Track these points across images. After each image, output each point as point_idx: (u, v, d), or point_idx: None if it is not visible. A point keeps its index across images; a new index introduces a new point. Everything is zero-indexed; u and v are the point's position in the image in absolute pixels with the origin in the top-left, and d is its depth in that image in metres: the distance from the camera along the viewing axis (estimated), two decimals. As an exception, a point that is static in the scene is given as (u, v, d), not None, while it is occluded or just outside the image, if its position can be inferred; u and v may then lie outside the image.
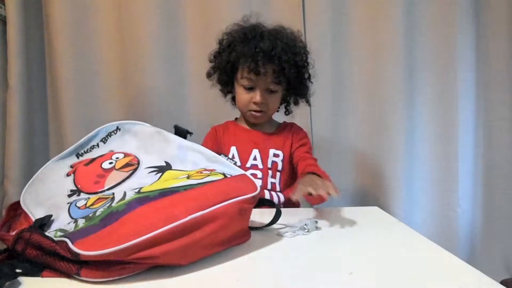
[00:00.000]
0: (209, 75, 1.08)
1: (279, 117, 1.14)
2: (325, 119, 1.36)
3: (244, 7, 1.31)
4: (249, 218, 0.65)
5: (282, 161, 1.04)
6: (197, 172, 0.64)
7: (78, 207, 0.58)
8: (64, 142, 1.34)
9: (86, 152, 0.73)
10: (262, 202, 0.76)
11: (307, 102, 1.12)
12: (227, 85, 1.09)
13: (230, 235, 0.58)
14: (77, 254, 0.47)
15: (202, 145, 1.03)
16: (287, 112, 1.15)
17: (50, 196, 0.63)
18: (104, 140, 0.75)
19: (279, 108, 1.11)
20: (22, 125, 1.30)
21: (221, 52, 1.04)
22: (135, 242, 0.47)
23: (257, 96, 1.00)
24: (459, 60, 1.33)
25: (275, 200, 1.01)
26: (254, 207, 0.71)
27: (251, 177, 0.65)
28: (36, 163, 1.38)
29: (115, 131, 0.76)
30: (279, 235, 0.67)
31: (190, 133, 0.78)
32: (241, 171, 0.66)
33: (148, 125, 0.77)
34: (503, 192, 1.36)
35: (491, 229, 1.37)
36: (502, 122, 1.36)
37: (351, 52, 1.35)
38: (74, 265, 0.48)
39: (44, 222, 0.56)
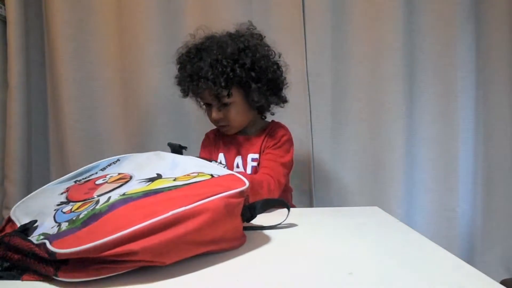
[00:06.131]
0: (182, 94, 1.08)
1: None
2: (325, 119, 1.35)
3: (245, 8, 1.31)
4: (240, 215, 0.63)
5: (258, 164, 1.02)
6: (185, 175, 0.64)
7: (64, 212, 0.58)
8: (64, 142, 1.34)
9: (84, 179, 0.74)
10: (271, 203, 0.74)
11: (278, 104, 1.06)
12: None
13: (219, 233, 0.56)
14: (53, 253, 0.46)
15: (200, 152, 1.05)
16: (263, 116, 1.11)
17: (39, 208, 0.63)
18: (103, 169, 0.77)
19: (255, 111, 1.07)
20: (22, 125, 1.30)
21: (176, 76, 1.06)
22: (112, 238, 0.46)
23: (212, 113, 1.00)
24: (459, 60, 1.33)
25: None
26: (265, 210, 0.70)
27: (239, 175, 0.63)
28: (36, 163, 1.38)
29: (115, 162, 0.79)
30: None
31: (184, 148, 0.79)
32: (229, 172, 0.65)
33: (147, 153, 0.80)
34: (503, 192, 1.36)
35: (491, 229, 1.37)
36: (502, 122, 1.36)
37: (351, 52, 1.34)
38: (52, 267, 0.48)
39: (27, 227, 0.55)
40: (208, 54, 0.96)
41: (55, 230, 0.53)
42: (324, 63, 1.33)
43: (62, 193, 0.68)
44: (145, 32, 1.31)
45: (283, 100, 1.06)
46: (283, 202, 0.73)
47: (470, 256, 1.37)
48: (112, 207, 0.52)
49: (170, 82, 1.34)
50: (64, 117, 1.33)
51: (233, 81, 0.95)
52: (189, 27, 1.33)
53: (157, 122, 1.34)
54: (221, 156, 1.05)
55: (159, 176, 0.67)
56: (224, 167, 0.70)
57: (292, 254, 0.60)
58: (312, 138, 1.34)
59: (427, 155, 1.36)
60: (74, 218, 0.54)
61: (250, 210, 0.68)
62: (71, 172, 1.40)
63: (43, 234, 0.53)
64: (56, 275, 0.48)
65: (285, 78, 1.05)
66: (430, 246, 0.62)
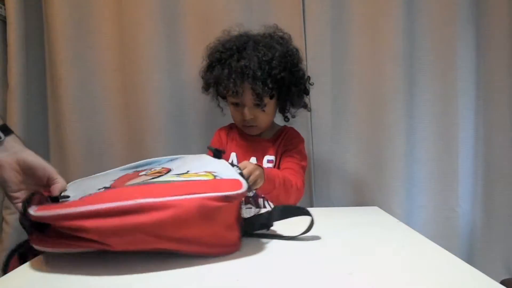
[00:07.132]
0: (204, 90, 1.11)
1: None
2: (325, 119, 1.35)
3: (245, 8, 1.31)
4: (228, 222, 0.59)
5: (274, 166, 1.03)
6: (194, 173, 0.65)
7: (91, 194, 0.60)
8: (64, 142, 1.34)
9: (144, 170, 0.77)
10: (291, 212, 0.70)
11: (305, 108, 1.12)
12: (222, 97, 1.11)
13: (191, 234, 0.54)
14: (29, 214, 0.50)
15: (208, 152, 1.07)
16: (286, 118, 1.14)
17: (86, 187, 0.66)
18: (159, 164, 0.80)
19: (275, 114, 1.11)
20: (22, 125, 1.30)
21: (206, 71, 1.06)
22: (70, 211, 0.48)
23: (245, 112, 1.00)
24: (459, 60, 1.33)
25: (267, 207, 1.01)
26: (284, 218, 0.67)
27: (243, 181, 0.60)
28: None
29: (172, 160, 0.83)
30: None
31: (222, 151, 0.79)
32: (236, 177, 0.63)
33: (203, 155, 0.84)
34: (503, 192, 1.36)
35: (491, 229, 1.37)
36: (502, 122, 1.36)
37: (351, 52, 1.34)
38: (31, 228, 0.52)
39: (57, 198, 0.61)
40: (255, 53, 0.96)
41: None
42: (324, 63, 1.33)
43: (113, 180, 0.71)
44: (145, 32, 1.31)
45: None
46: (305, 210, 0.68)
47: (470, 256, 1.36)
48: (108, 189, 0.56)
49: (170, 82, 1.34)
50: (64, 117, 1.33)
51: (278, 83, 0.97)
52: (189, 27, 1.34)
53: (157, 122, 1.33)
54: (233, 156, 1.05)
55: (186, 172, 0.68)
56: (239, 173, 0.67)
57: (291, 253, 0.60)
58: (312, 138, 1.34)
59: (427, 155, 1.36)
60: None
61: (267, 217, 0.67)
62: (71, 172, 1.40)
63: None
64: (29, 239, 0.52)
65: (312, 84, 1.11)
66: (430, 246, 0.63)
